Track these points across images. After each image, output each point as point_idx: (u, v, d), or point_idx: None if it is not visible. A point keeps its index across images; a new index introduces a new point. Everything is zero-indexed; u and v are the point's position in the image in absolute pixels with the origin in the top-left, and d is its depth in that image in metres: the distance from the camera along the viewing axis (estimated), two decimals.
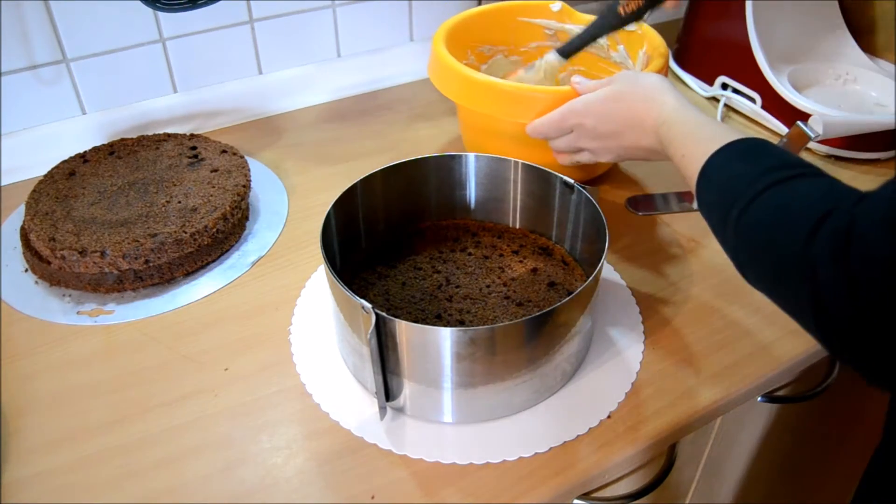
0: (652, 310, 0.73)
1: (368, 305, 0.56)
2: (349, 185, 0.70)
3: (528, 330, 0.58)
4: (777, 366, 0.69)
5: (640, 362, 0.68)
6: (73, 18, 0.90)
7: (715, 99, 1.09)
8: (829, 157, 0.97)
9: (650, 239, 0.83)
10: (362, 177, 0.71)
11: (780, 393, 0.78)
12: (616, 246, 0.81)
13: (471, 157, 0.75)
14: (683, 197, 0.88)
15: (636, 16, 0.80)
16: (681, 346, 0.70)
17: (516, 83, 0.78)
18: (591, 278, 0.60)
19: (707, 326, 0.72)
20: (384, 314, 0.56)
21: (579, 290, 0.58)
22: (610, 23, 0.82)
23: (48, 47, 0.90)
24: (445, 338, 0.56)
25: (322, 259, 0.62)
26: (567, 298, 0.58)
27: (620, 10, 0.80)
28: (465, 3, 1.13)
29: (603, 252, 0.62)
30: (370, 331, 0.56)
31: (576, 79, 0.76)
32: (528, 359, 0.59)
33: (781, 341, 0.70)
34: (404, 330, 0.57)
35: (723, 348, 0.70)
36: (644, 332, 0.71)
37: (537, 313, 0.56)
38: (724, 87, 1.08)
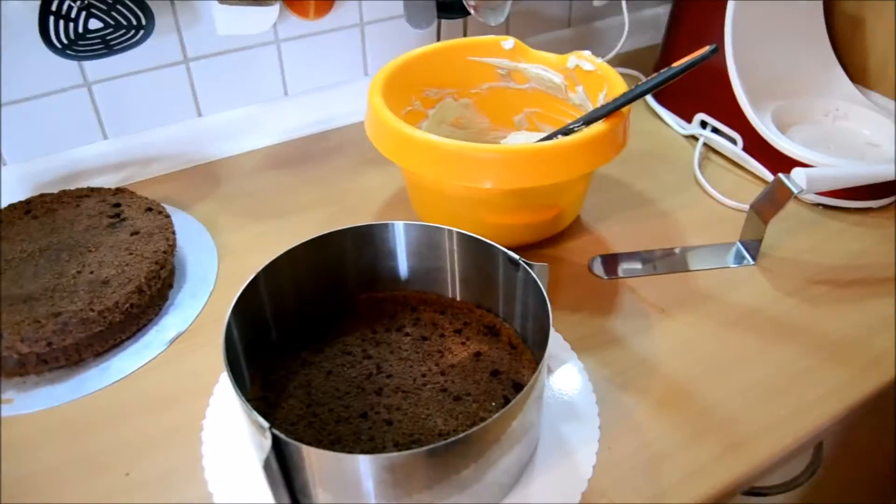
0: (610, 399, 0.65)
1: (265, 424, 0.48)
2: (281, 250, 0.63)
3: (457, 450, 0.50)
4: (757, 464, 0.60)
5: (594, 467, 0.59)
6: None
7: (693, 138, 1.01)
8: (817, 205, 0.88)
9: (613, 307, 0.75)
10: (269, 261, 0.62)
11: (760, 484, 0.70)
12: (573, 318, 0.73)
13: (399, 226, 0.67)
14: (653, 256, 0.80)
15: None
16: (642, 443, 0.61)
17: (458, 142, 0.70)
18: (529, 385, 0.51)
19: (673, 417, 0.63)
20: (282, 436, 0.48)
21: (514, 401, 0.50)
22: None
23: None
24: (356, 466, 0.48)
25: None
26: (497, 415, 0.49)
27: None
28: (422, 35, 1.05)
29: (544, 353, 0.54)
30: (266, 455, 0.48)
31: None
32: (458, 482, 0.51)
33: (762, 434, 0.62)
34: (311, 455, 0.49)
35: (691, 445, 0.61)
36: (599, 428, 0.62)
37: (461, 435, 0.48)
38: (704, 125, 0.99)
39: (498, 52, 0.87)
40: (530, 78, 0.87)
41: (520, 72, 0.87)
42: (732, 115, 0.93)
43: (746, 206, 0.83)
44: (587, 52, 0.83)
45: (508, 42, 0.86)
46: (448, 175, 0.70)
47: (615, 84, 0.78)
